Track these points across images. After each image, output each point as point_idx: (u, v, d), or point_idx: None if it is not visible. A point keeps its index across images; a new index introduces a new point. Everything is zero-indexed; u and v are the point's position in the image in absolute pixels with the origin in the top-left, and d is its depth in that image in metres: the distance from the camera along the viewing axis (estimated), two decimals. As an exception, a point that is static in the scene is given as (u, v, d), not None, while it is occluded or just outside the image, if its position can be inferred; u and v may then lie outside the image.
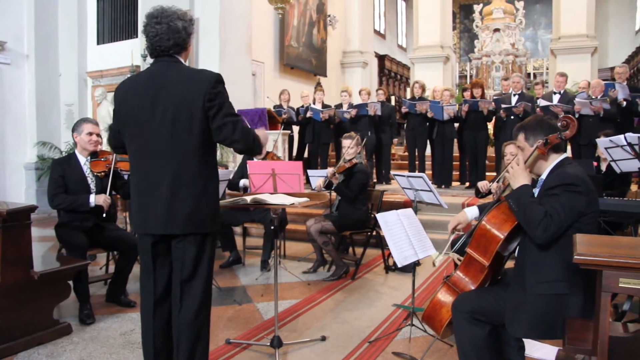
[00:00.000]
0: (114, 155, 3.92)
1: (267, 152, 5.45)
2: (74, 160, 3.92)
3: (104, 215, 3.87)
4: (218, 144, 2.42)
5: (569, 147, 7.21)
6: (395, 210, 3.35)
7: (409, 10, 19.65)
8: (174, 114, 2.21)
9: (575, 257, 1.75)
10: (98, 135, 3.97)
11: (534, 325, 2.18)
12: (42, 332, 3.24)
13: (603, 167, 4.79)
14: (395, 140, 8.81)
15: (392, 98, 12.28)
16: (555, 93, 7.17)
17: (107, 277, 4.41)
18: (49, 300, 3.36)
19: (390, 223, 3.23)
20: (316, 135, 8.26)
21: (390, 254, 3.98)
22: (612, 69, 13.70)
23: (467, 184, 7.86)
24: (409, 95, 10.70)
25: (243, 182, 5.25)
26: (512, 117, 7.04)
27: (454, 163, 8.10)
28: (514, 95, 7.28)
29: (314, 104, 8.33)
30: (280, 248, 5.70)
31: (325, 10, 12.72)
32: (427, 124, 7.90)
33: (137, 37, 9.11)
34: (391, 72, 17.03)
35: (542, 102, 6.90)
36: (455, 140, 7.92)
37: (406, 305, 4.00)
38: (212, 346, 3.11)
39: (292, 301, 4.15)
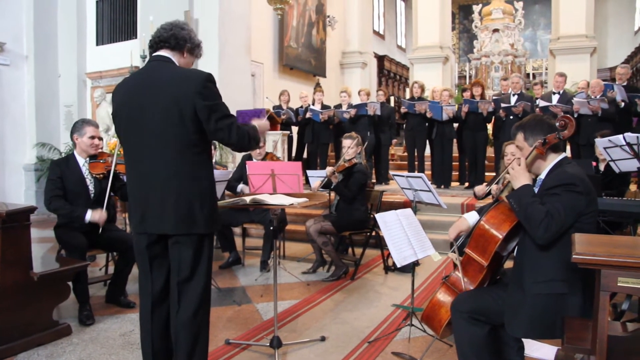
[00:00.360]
0: (114, 157, 3.91)
1: (267, 153, 5.45)
2: (73, 161, 3.91)
3: (100, 231, 3.85)
4: (215, 143, 2.43)
5: (568, 148, 7.22)
6: (395, 211, 3.35)
7: (408, 10, 19.66)
8: (165, 114, 2.21)
9: (574, 256, 1.75)
10: (99, 138, 3.97)
11: (533, 325, 2.18)
12: (41, 333, 3.24)
13: (602, 167, 4.79)
14: (394, 141, 8.81)
15: (392, 98, 12.28)
16: (554, 93, 7.18)
17: (107, 278, 4.41)
18: (49, 301, 3.36)
19: (389, 223, 3.23)
20: (315, 136, 8.26)
21: (389, 254, 3.98)
22: (611, 69, 13.75)
23: (467, 184, 7.86)
24: (408, 96, 10.71)
25: (241, 187, 5.26)
26: (511, 117, 7.04)
27: (454, 163, 8.10)
28: (513, 95, 7.28)
29: (313, 104, 8.33)
30: (280, 248, 5.70)
31: (325, 10, 12.72)
32: (427, 124, 7.90)
33: (136, 38, 9.11)
34: (390, 73, 17.03)
35: (541, 103, 6.91)
36: (455, 140, 7.92)
37: (405, 305, 4.00)
38: (212, 346, 3.11)
39: (291, 301, 4.15)
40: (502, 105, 7.15)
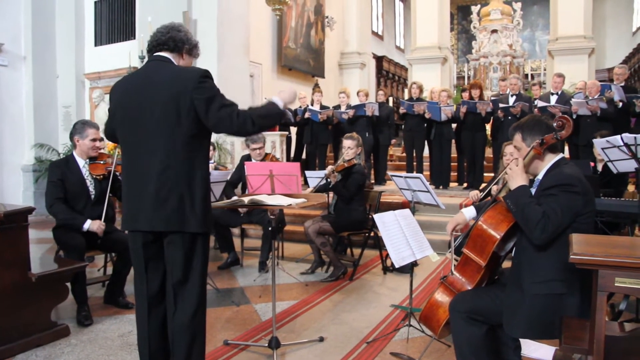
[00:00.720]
0: (114, 158, 3.91)
1: (266, 154, 5.46)
2: (73, 162, 3.91)
3: (99, 241, 3.86)
4: (214, 143, 2.42)
5: (566, 148, 7.24)
6: (393, 211, 3.36)
7: (407, 11, 19.69)
8: (163, 111, 2.22)
9: (572, 256, 1.76)
10: (100, 140, 3.97)
11: (531, 325, 2.18)
12: (40, 334, 3.24)
13: (600, 167, 4.80)
14: (393, 141, 8.81)
15: (390, 99, 12.28)
16: (552, 94, 7.19)
17: (105, 278, 4.41)
18: (47, 302, 3.36)
19: (387, 224, 3.23)
20: (314, 137, 8.27)
21: (388, 254, 3.99)
22: (609, 69, 13.75)
23: (465, 184, 7.87)
24: (406, 97, 10.71)
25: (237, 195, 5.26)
26: (509, 117, 7.05)
27: (452, 164, 8.11)
28: (512, 96, 7.30)
29: (311, 105, 8.34)
30: (278, 249, 5.70)
31: (323, 11, 12.73)
32: (425, 125, 7.91)
33: (134, 38, 9.11)
34: (389, 73, 17.03)
35: (539, 103, 6.92)
36: (453, 141, 7.93)
37: (404, 305, 4.00)
38: (210, 347, 3.12)
39: (290, 302, 4.15)
40: (501, 105, 7.17)
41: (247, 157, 5.51)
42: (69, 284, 3.56)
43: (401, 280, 4.76)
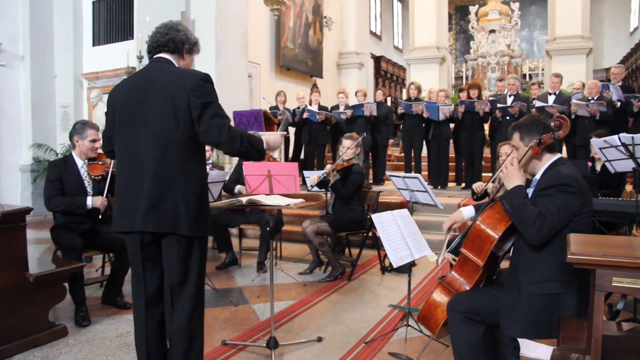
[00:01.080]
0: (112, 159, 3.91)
1: (264, 154, 5.45)
2: (71, 162, 3.91)
3: (100, 217, 3.86)
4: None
5: (564, 148, 7.25)
6: (391, 211, 3.36)
7: (405, 11, 19.70)
8: (161, 112, 2.21)
9: (569, 256, 1.76)
10: (99, 140, 3.97)
11: (528, 325, 2.18)
12: (37, 335, 3.23)
13: (598, 167, 4.81)
14: (391, 141, 8.82)
15: (388, 99, 12.29)
16: (550, 94, 7.19)
17: (103, 279, 4.41)
18: (45, 303, 3.35)
19: (385, 224, 3.24)
20: (312, 137, 8.26)
21: (386, 254, 3.99)
22: (607, 69, 13.77)
23: (463, 184, 7.87)
24: (404, 97, 10.72)
25: (238, 188, 5.26)
26: (507, 117, 7.06)
27: (450, 164, 8.11)
28: (510, 96, 7.31)
29: (310, 105, 8.33)
30: (277, 249, 5.70)
31: (321, 11, 12.73)
32: (423, 125, 7.91)
33: (132, 38, 9.09)
34: (387, 74, 17.05)
35: (537, 103, 6.93)
36: (451, 141, 7.93)
37: (402, 305, 4.00)
38: (208, 347, 3.11)
39: (288, 302, 4.15)
40: (499, 105, 7.17)
41: (246, 157, 5.51)
42: (66, 284, 3.55)
43: (399, 280, 4.76)
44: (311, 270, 5.05)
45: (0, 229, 3.06)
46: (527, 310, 2.17)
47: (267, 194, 3.29)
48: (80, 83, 9.83)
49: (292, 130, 8.81)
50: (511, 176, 2.30)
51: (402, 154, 8.88)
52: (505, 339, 2.45)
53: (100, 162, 3.95)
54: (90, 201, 3.79)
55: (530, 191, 2.32)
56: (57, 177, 3.80)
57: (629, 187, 4.82)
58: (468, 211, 2.68)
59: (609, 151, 4.05)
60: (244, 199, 2.92)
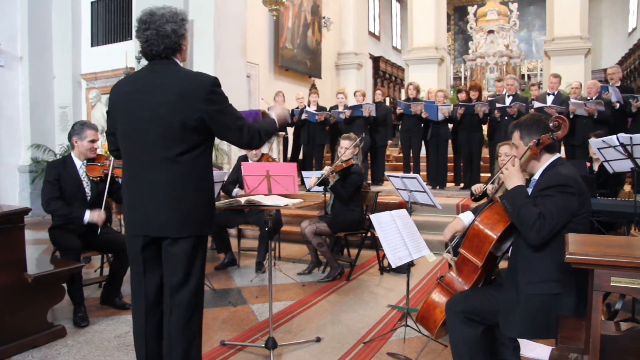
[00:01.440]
0: (111, 160, 3.90)
1: (262, 154, 5.46)
2: (70, 163, 3.89)
3: (98, 232, 3.84)
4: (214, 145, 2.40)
5: (562, 148, 7.25)
6: (390, 211, 3.36)
7: (404, 11, 19.71)
8: (166, 116, 2.18)
9: (567, 256, 1.76)
10: (98, 141, 3.96)
11: (527, 325, 2.19)
12: (36, 335, 3.23)
13: (596, 167, 4.82)
14: (390, 142, 8.82)
15: (387, 100, 12.30)
16: (549, 94, 7.20)
17: (102, 279, 4.40)
18: (43, 303, 3.35)
19: (384, 224, 3.24)
20: (311, 137, 8.26)
21: (384, 255, 3.99)
22: (605, 70, 13.78)
23: (462, 184, 7.88)
24: (403, 97, 10.72)
25: (236, 191, 5.27)
26: (506, 117, 7.07)
27: (449, 164, 8.12)
28: (508, 96, 7.32)
29: (308, 105, 8.33)
30: (275, 250, 5.70)
31: (320, 12, 12.73)
32: (422, 125, 7.92)
33: (131, 39, 9.08)
34: (386, 74, 17.04)
35: (536, 104, 6.93)
36: (450, 141, 7.94)
37: (401, 306, 4.00)
38: (207, 348, 3.11)
39: (286, 302, 4.15)
40: (497, 106, 7.18)
41: (244, 158, 5.52)
42: (65, 285, 3.54)
43: (398, 280, 4.76)
44: (310, 271, 5.04)
45: (-1, 230, 3.06)
46: (526, 311, 2.18)
47: (265, 195, 3.29)
48: (78, 83, 9.82)
49: (290, 130, 8.81)
50: (512, 176, 2.30)
51: (401, 154, 8.89)
52: (505, 339, 2.45)
53: (99, 164, 3.94)
54: (87, 216, 3.76)
55: (528, 191, 2.32)
56: (55, 177, 3.78)
57: (627, 187, 4.83)
58: (467, 218, 2.62)
59: (607, 151, 4.06)
60: (242, 199, 2.92)
